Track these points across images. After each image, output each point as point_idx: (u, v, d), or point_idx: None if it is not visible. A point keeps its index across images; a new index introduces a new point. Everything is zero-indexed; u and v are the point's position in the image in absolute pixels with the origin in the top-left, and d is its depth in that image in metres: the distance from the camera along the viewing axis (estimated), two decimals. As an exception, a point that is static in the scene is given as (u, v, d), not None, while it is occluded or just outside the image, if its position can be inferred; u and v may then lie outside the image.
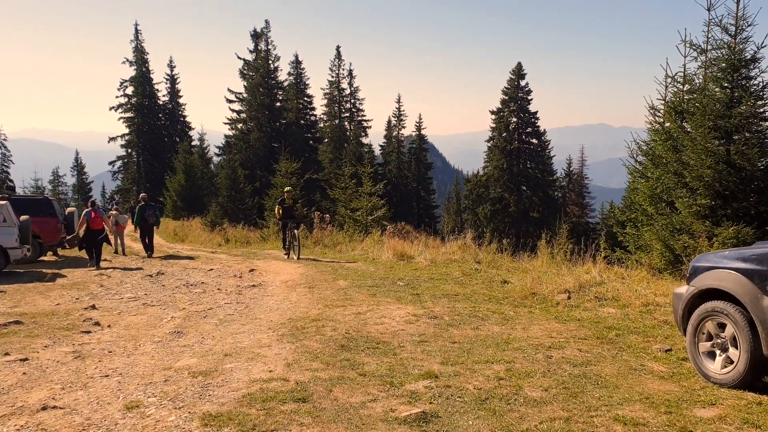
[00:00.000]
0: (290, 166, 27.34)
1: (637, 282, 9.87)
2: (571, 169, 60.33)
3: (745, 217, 11.07)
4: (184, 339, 7.19)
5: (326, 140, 60.79)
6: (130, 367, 6.05)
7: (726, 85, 11.60)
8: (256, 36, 55.87)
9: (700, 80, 13.76)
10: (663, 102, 15.55)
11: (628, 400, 4.71)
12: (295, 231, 16.23)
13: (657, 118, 15.70)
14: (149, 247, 18.52)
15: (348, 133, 60.90)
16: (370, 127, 61.42)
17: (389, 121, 61.36)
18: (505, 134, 49.98)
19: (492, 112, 51.18)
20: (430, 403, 4.69)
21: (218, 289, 11.39)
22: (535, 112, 51.02)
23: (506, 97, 50.78)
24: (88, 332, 7.67)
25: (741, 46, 11.43)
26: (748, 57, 11.34)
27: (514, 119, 50.57)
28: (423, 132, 60.23)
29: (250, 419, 4.35)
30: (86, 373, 5.91)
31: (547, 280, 10.14)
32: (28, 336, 7.36)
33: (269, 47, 55.30)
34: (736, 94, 11.45)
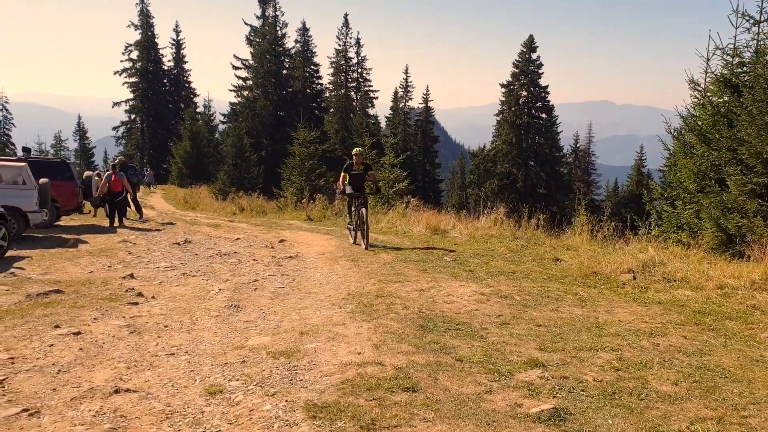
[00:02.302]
0: (309, 134, 26.67)
1: (698, 262, 9.40)
2: (578, 145, 59.72)
3: (806, 198, 10.60)
4: (244, 314, 6.70)
5: (332, 110, 59.95)
6: (195, 345, 5.57)
7: (789, 58, 11.02)
8: (264, 1, 54.69)
9: (752, 53, 13.19)
10: (705, 76, 14.99)
11: (770, 396, 4.25)
12: (363, 210, 11.87)
13: (697, 92, 15.16)
14: (138, 209, 19.10)
15: (354, 103, 60.09)
16: (377, 98, 60.63)
17: (396, 93, 60.55)
18: (515, 108, 49.24)
19: (502, 86, 50.37)
20: (554, 396, 4.23)
21: (254, 259, 10.89)
22: (546, 86, 50.22)
23: (517, 71, 49.96)
24: (135, 303, 7.18)
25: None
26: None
27: (525, 93, 49.80)
28: (430, 104, 59.44)
29: (365, 412, 3.87)
30: (148, 350, 5.43)
31: (602, 258, 9.65)
32: (73, 307, 6.86)
33: (277, 13, 54.24)
34: (800, 68, 10.87)
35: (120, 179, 17.02)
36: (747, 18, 12.85)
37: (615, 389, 4.36)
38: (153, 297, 7.66)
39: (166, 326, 6.23)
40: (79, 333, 5.83)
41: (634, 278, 8.65)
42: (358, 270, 9.39)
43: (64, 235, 13.90)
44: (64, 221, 17.29)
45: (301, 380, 4.52)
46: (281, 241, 13.47)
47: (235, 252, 11.79)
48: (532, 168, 49.78)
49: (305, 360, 4.95)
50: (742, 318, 6.36)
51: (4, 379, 4.60)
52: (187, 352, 5.37)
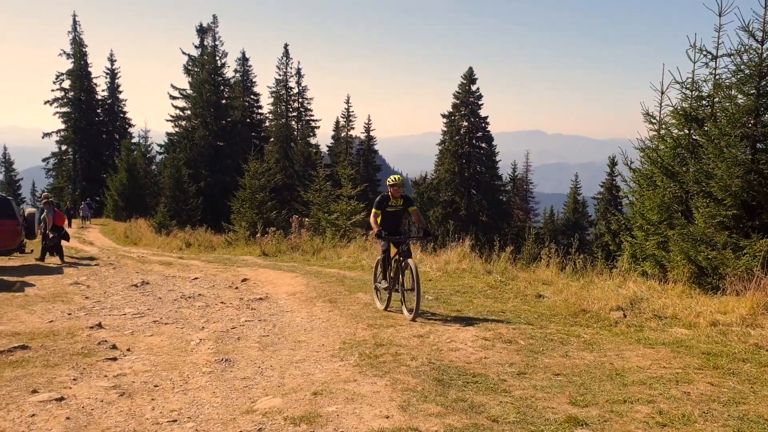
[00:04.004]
0: (260, 166, 26.07)
1: (679, 297, 9.39)
2: (516, 174, 60.79)
3: (773, 229, 10.77)
4: (238, 369, 6.18)
5: (272, 140, 59.32)
6: (197, 408, 5.05)
7: (752, 92, 11.27)
8: (202, 31, 54.03)
9: (710, 87, 13.53)
10: (660, 108, 15.30)
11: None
12: (409, 263, 8.43)
13: (652, 125, 15.45)
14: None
15: (295, 132, 59.68)
16: (319, 127, 60.45)
17: (337, 122, 60.60)
18: (456, 138, 49.92)
19: (443, 116, 51.02)
20: (616, 461, 3.93)
21: (222, 302, 10.32)
22: (486, 117, 51.20)
23: (457, 101, 50.77)
24: (114, 359, 6.55)
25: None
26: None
27: (465, 123, 50.59)
28: (372, 133, 59.60)
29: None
30: (145, 416, 4.89)
31: (586, 295, 9.53)
32: (46, 366, 6.19)
33: (216, 43, 53.57)
34: (762, 101, 11.13)
35: (63, 215, 17.30)
36: (705, 53, 13.18)
37: (674, 450, 4.11)
38: (128, 350, 7.04)
39: (157, 386, 5.66)
40: (62, 398, 5.21)
41: (625, 316, 8.53)
42: (340, 313, 8.97)
43: (5, 278, 12.94)
44: (2, 261, 16.20)
45: (335, 453, 4.10)
46: (244, 280, 12.91)
47: (200, 294, 11.18)
48: (474, 196, 50.33)
49: (330, 427, 4.50)
50: (755, 360, 6.25)
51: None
52: (190, 417, 4.85)
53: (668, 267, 12.21)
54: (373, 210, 9.12)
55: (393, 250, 9.01)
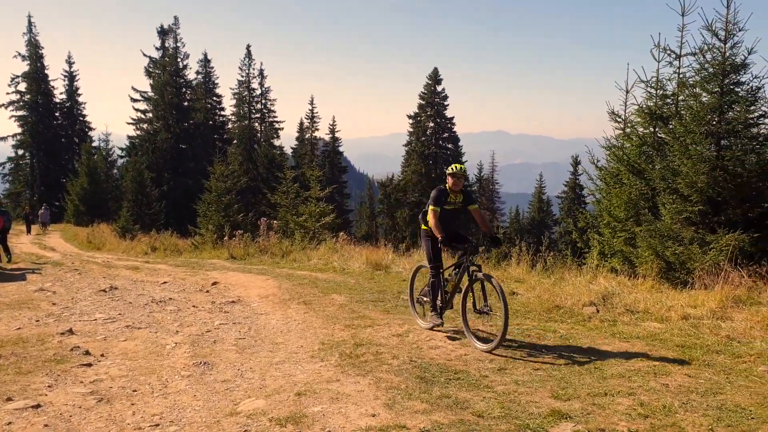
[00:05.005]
0: (226, 168, 25.79)
1: (650, 292, 9.55)
2: (482, 174, 61.29)
3: (737, 224, 11.02)
4: (218, 372, 6.09)
5: (235, 142, 58.81)
6: (179, 412, 4.97)
7: (716, 90, 11.51)
8: (163, 32, 53.33)
9: (674, 85, 13.81)
10: (626, 107, 15.57)
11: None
12: (479, 274, 6.90)
13: (618, 123, 15.72)
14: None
15: (259, 134, 59.23)
16: (282, 128, 60.04)
17: (301, 123, 60.34)
18: (423, 139, 50.13)
19: (409, 117, 51.16)
20: (604, 453, 3.98)
21: (193, 306, 10.17)
22: (452, 118, 51.51)
23: (423, 102, 50.98)
24: (89, 365, 6.41)
25: (731, 51, 11.37)
26: (739, 62, 11.29)
27: (432, 124, 50.84)
28: (337, 135, 59.52)
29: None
30: (126, 421, 4.79)
31: (558, 291, 9.63)
32: (18, 373, 6.03)
33: (178, 44, 52.94)
34: (726, 99, 11.38)
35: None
36: (669, 52, 13.45)
37: (660, 441, 4.17)
38: (103, 355, 6.89)
39: (135, 390, 5.55)
40: (38, 406, 5.08)
41: (598, 311, 8.64)
42: (316, 314, 8.91)
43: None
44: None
45: (324, 453, 4.06)
46: (214, 283, 12.74)
47: (171, 298, 11.00)
48: (441, 197, 50.51)
49: (317, 427, 4.47)
50: (728, 351, 6.38)
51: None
52: (172, 421, 4.77)
53: (636, 263, 12.42)
54: (432, 207, 7.18)
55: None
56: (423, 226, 7.59)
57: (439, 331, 7.52)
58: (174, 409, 5.05)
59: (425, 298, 7.80)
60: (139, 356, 6.87)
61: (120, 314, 9.36)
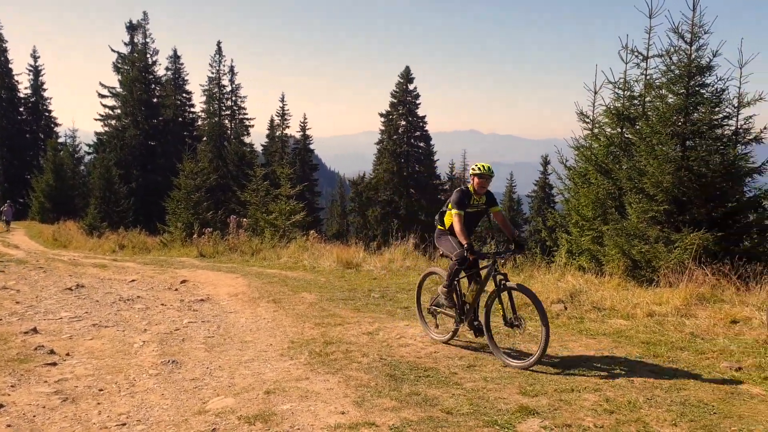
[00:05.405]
0: (195, 166, 25.54)
1: (616, 290, 9.69)
2: (454, 173, 61.51)
3: (702, 224, 11.23)
4: (186, 371, 6.04)
5: (205, 138, 58.18)
6: (146, 411, 4.92)
7: (681, 91, 11.71)
8: (132, 28, 52.54)
9: (641, 87, 14.01)
10: (593, 108, 15.78)
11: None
12: (508, 283, 6.34)
13: (586, 124, 15.91)
14: None
15: (229, 131, 58.65)
16: (253, 126, 59.47)
17: (272, 121, 59.95)
18: (395, 137, 50.12)
19: (381, 115, 51.16)
20: (570, 448, 4.03)
21: (162, 304, 10.06)
22: (424, 116, 51.57)
23: (395, 101, 50.95)
24: (54, 364, 6.30)
25: (696, 53, 11.57)
26: (704, 64, 11.50)
27: (403, 122, 50.84)
28: (308, 132, 59.31)
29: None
30: (92, 421, 4.73)
31: (527, 289, 9.71)
32: (-21, 374, 5.92)
33: (147, 40, 52.20)
34: (691, 100, 11.58)
35: None
36: (636, 54, 13.65)
37: (624, 436, 4.24)
38: (68, 354, 6.78)
39: (102, 390, 5.48)
40: (1, 406, 4.99)
41: (566, 308, 8.75)
42: (286, 312, 8.88)
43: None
44: None
45: (293, 451, 4.06)
46: (183, 281, 12.61)
47: (139, 296, 10.86)
48: (413, 195, 50.64)
49: (286, 425, 4.46)
50: (692, 348, 6.51)
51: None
52: (139, 420, 4.72)
53: (603, 261, 12.60)
54: (456, 210, 6.50)
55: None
56: (439, 226, 7.03)
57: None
58: (141, 408, 5.00)
59: (438, 309, 7.15)
60: (105, 355, 6.78)
61: (86, 313, 9.23)
